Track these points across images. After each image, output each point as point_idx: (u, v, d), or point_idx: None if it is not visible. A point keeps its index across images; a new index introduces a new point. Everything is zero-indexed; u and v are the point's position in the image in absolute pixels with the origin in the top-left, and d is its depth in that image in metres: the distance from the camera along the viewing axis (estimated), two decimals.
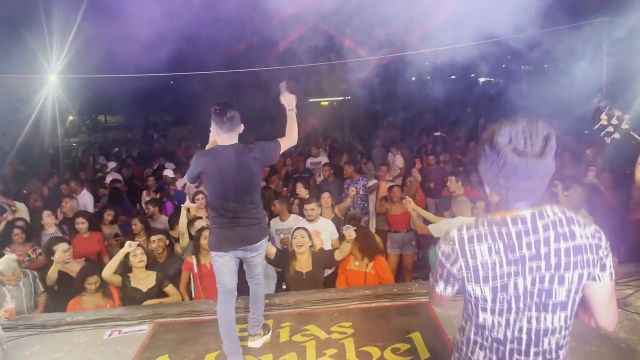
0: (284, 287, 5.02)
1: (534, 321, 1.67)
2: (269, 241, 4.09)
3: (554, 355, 1.72)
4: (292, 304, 4.24)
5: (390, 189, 6.80)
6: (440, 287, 1.79)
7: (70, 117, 24.50)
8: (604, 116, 3.07)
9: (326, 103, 25.67)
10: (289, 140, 3.50)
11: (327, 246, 5.36)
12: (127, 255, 4.56)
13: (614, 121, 3.03)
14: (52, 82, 9.93)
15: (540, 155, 1.54)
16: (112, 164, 11.53)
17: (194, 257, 4.83)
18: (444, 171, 8.51)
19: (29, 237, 5.75)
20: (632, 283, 4.14)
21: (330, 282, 4.94)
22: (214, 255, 3.41)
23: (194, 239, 5.02)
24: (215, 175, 3.24)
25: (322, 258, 4.78)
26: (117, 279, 4.55)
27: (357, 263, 4.76)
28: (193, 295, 4.90)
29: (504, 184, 1.61)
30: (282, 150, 3.44)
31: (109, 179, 9.53)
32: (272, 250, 4.72)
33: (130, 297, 4.54)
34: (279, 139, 3.44)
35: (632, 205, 5.36)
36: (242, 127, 3.31)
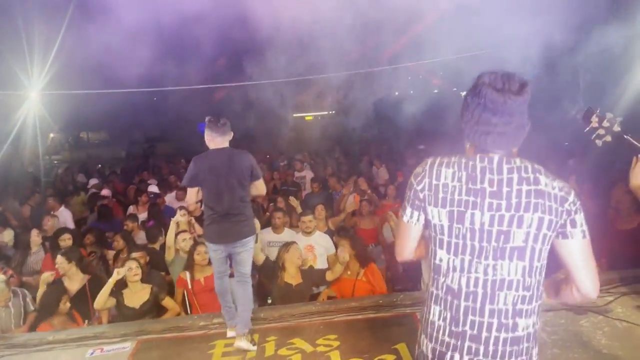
0: (269, 301, 4.98)
1: (490, 270, 1.66)
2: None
3: (510, 321, 1.67)
4: (277, 318, 4.21)
5: (360, 202, 6.77)
6: (407, 214, 1.82)
7: (52, 135, 24.24)
8: (594, 119, 3.09)
9: (310, 118, 25.82)
10: (262, 187, 3.90)
11: (321, 261, 5.31)
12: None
13: (605, 124, 3.04)
14: (32, 98, 9.84)
15: (517, 92, 1.62)
16: (93, 181, 11.40)
17: (187, 273, 4.77)
18: None
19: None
20: (613, 290, 4.19)
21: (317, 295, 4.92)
22: (210, 247, 3.78)
23: (188, 254, 4.95)
24: (210, 173, 3.59)
25: (314, 276, 4.76)
26: (111, 302, 4.48)
27: (348, 272, 4.74)
28: (189, 312, 4.81)
29: (484, 129, 1.66)
30: (255, 185, 3.79)
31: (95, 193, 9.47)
32: (260, 258, 4.70)
33: (124, 314, 4.47)
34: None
35: (618, 215, 5.41)
36: (232, 134, 3.69)
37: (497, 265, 1.65)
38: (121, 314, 4.53)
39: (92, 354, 3.91)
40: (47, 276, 4.68)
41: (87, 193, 10.18)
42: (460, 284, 1.69)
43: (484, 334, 1.67)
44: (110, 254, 5.93)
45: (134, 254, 5.11)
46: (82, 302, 4.81)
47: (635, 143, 2.98)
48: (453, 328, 1.71)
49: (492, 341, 1.67)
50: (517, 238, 1.63)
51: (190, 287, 4.73)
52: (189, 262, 4.87)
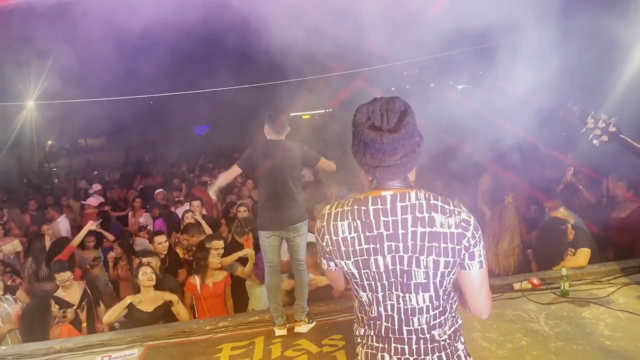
0: None
1: (401, 300, 1.72)
2: None
3: (427, 335, 1.75)
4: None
5: None
6: (324, 264, 1.90)
7: (50, 142, 24.21)
8: (590, 119, 3.12)
9: (308, 117, 25.80)
10: (328, 165, 4.14)
11: None
12: (136, 275, 4.59)
13: (601, 124, 3.07)
14: (29, 107, 9.84)
15: (394, 129, 1.60)
16: (96, 186, 11.42)
17: (197, 277, 4.80)
18: None
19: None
20: (614, 281, 4.24)
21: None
22: (262, 235, 3.94)
23: (200, 258, 4.96)
24: (264, 160, 3.83)
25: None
26: (123, 313, 4.50)
27: None
28: (196, 316, 4.83)
29: (371, 162, 1.66)
30: (320, 166, 4.10)
31: (94, 201, 9.47)
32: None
33: (137, 319, 4.47)
34: (322, 157, 4.08)
35: (612, 204, 5.49)
36: (288, 129, 3.91)
37: (406, 297, 1.71)
38: (133, 318, 4.50)
39: None
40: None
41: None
42: (380, 312, 1.77)
43: (406, 345, 1.77)
44: (111, 258, 5.97)
45: (147, 259, 5.13)
46: (88, 310, 4.86)
47: (632, 142, 3.02)
48: (380, 344, 1.82)
49: (414, 344, 1.77)
50: (418, 276, 1.68)
51: (199, 291, 4.76)
52: (200, 266, 4.88)
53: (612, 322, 3.61)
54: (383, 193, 1.68)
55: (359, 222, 1.70)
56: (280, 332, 3.98)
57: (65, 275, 4.75)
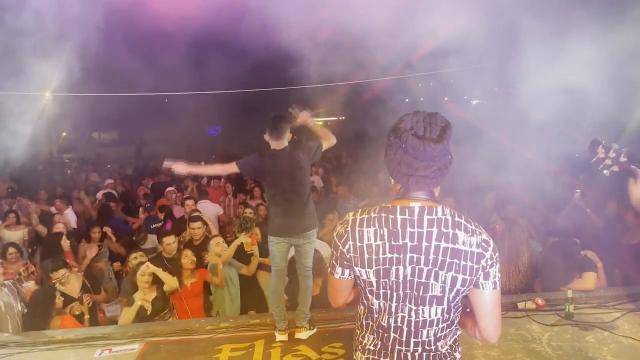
0: None
1: (413, 314, 1.74)
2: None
3: (432, 346, 1.78)
4: None
5: None
6: (337, 272, 1.86)
7: (64, 134, 24.47)
8: (600, 149, 3.09)
9: (320, 123, 25.87)
10: (328, 141, 4.05)
11: None
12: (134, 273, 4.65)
13: (612, 154, 3.04)
14: (46, 99, 9.97)
15: (437, 140, 1.64)
16: (108, 181, 11.52)
17: (175, 279, 4.81)
18: None
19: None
20: (620, 306, 4.19)
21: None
22: (272, 240, 3.94)
23: (174, 259, 5.00)
24: (273, 172, 3.83)
25: None
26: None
27: None
28: (177, 318, 4.81)
29: (405, 170, 1.69)
30: (324, 149, 4.00)
31: (100, 194, 9.58)
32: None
33: (140, 316, 4.53)
34: (319, 133, 4.07)
35: (625, 230, 5.43)
36: (289, 135, 3.88)
37: (419, 310, 1.73)
38: (137, 315, 4.54)
39: (100, 354, 3.96)
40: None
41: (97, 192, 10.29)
42: (389, 322, 1.79)
43: (410, 354, 1.80)
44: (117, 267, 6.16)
45: (142, 257, 5.19)
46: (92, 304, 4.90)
47: None
48: (383, 352, 1.83)
49: (417, 354, 1.79)
50: (434, 289, 1.70)
51: (179, 291, 4.78)
52: (176, 267, 4.91)
53: (616, 348, 3.57)
54: (411, 204, 1.71)
55: (385, 230, 1.71)
56: (281, 337, 3.98)
57: (59, 274, 4.74)
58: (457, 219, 1.69)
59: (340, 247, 1.80)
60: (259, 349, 3.89)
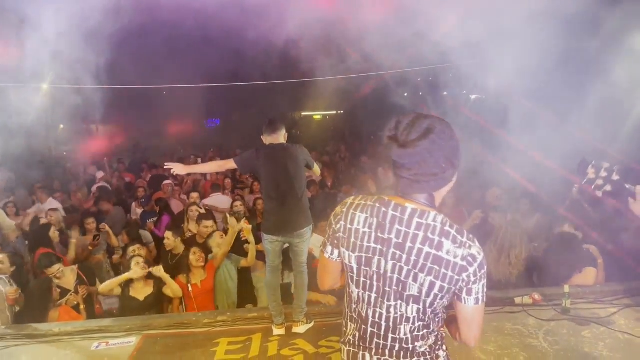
0: None
1: (392, 310, 1.76)
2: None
3: (410, 345, 1.80)
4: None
5: None
6: (328, 251, 1.91)
7: (62, 126, 24.34)
8: (590, 169, 3.02)
9: (319, 117, 25.80)
10: (317, 171, 4.33)
11: None
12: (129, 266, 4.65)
13: (603, 173, 2.97)
14: (44, 90, 9.90)
15: (404, 145, 1.61)
16: (99, 174, 11.45)
17: (180, 289, 4.77)
18: None
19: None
20: (616, 302, 4.20)
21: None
22: (266, 239, 3.94)
23: (183, 257, 4.98)
24: (267, 164, 3.85)
25: None
26: (117, 291, 4.60)
27: None
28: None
29: (397, 172, 1.71)
30: (313, 170, 4.21)
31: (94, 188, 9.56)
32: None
33: (127, 305, 4.55)
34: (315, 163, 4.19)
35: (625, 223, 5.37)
36: (284, 132, 3.95)
37: (397, 305, 1.75)
38: (125, 305, 4.61)
39: (97, 347, 3.97)
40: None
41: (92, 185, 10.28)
42: (368, 314, 1.82)
43: (388, 350, 1.82)
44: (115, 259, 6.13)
45: (140, 250, 5.18)
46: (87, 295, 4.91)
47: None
48: (362, 346, 1.87)
49: (395, 350, 1.82)
50: (412, 289, 1.71)
51: (189, 290, 4.75)
52: (185, 265, 4.87)
53: (612, 343, 3.59)
54: (406, 205, 1.71)
55: (375, 220, 1.74)
56: (278, 331, 4.00)
57: (54, 269, 4.71)
58: (447, 228, 1.67)
59: (334, 226, 1.85)
60: (256, 342, 3.90)
